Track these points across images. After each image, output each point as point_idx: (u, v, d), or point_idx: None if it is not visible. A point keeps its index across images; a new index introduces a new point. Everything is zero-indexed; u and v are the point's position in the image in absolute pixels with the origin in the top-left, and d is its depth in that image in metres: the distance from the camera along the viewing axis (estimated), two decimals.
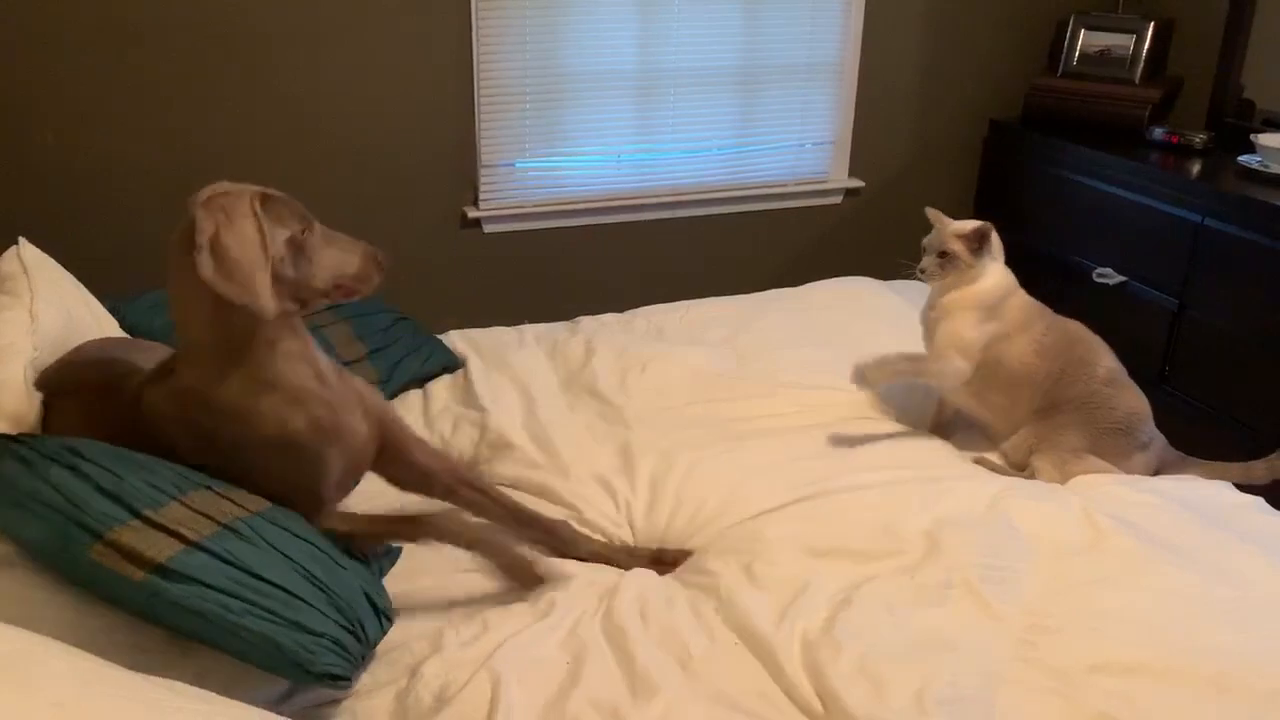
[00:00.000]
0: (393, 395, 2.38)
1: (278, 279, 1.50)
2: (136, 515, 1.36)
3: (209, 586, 1.33)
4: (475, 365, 2.48)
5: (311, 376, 1.60)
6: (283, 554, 1.45)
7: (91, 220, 2.94)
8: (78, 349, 1.83)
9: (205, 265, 1.42)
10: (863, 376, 2.18)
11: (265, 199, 1.54)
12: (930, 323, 2.23)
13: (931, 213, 2.23)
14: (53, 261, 2.03)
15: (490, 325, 2.80)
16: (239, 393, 1.54)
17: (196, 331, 1.55)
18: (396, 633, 1.59)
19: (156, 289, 2.08)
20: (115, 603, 1.35)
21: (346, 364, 2.29)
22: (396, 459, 1.78)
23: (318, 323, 2.32)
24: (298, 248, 1.56)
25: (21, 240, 2.01)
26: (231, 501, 1.49)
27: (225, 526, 1.42)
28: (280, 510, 1.55)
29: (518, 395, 2.35)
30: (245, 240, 1.47)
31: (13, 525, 1.39)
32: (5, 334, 1.77)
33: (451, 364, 2.53)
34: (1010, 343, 2.15)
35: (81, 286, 2.07)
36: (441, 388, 2.42)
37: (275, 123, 3.07)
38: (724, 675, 1.53)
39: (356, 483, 1.75)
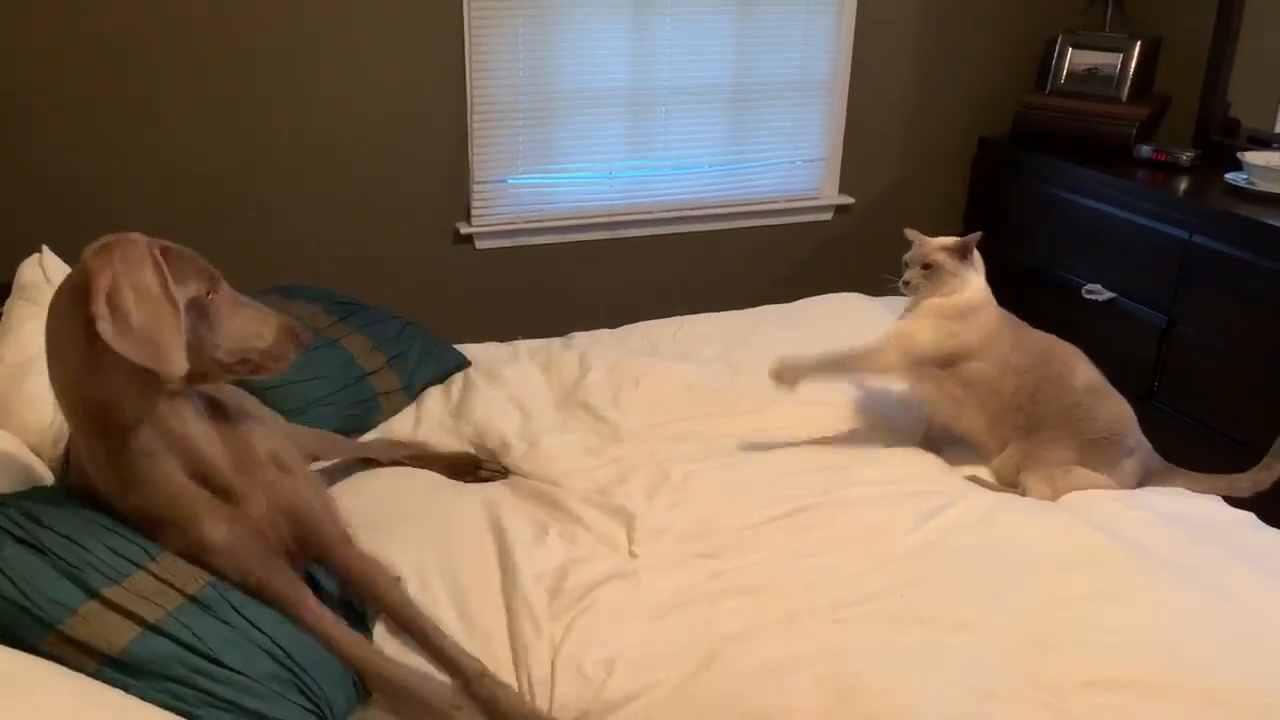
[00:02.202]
0: (414, 400, 2.41)
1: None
2: (94, 596, 1.27)
3: (163, 677, 1.26)
4: (469, 380, 2.49)
5: (181, 470, 1.42)
6: (250, 623, 1.38)
7: (83, 235, 2.94)
8: None
9: (104, 320, 1.27)
10: (779, 376, 2.16)
11: (166, 251, 1.38)
12: None
13: (910, 233, 2.25)
14: None
15: (483, 341, 2.80)
16: (104, 486, 1.41)
17: (70, 404, 1.38)
18: None
19: None
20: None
21: (368, 374, 2.31)
22: (320, 556, 1.59)
23: (335, 335, 2.33)
24: (200, 311, 1.39)
25: (45, 249, 2.00)
26: None
27: (190, 598, 1.34)
28: None
29: (512, 410, 2.35)
30: (148, 293, 1.32)
31: None
32: (31, 345, 1.74)
33: (463, 362, 2.57)
34: (971, 357, 2.14)
35: None
36: (434, 400, 2.42)
37: (270, 139, 3.07)
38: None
39: (302, 560, 1.58)
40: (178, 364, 1.32)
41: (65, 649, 1.23)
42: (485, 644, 1.62)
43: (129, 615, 1.28)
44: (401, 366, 2.41)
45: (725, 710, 1.49)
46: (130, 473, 1.39)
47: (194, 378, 1.42)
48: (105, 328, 1.27)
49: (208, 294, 1.41)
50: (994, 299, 2.21)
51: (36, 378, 1.68)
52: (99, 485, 1.42)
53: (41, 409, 1.65)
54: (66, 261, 2.05)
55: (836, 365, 2.19)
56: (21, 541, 1.29)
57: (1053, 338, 2.22)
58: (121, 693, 1.09)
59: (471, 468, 2.15)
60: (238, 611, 1.38)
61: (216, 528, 1.43)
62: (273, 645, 1.38)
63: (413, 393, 2.42)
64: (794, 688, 1.51)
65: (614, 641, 1.62)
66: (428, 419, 2.35)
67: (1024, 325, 2.22)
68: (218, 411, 1.52)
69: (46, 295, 1.85)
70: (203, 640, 1.31)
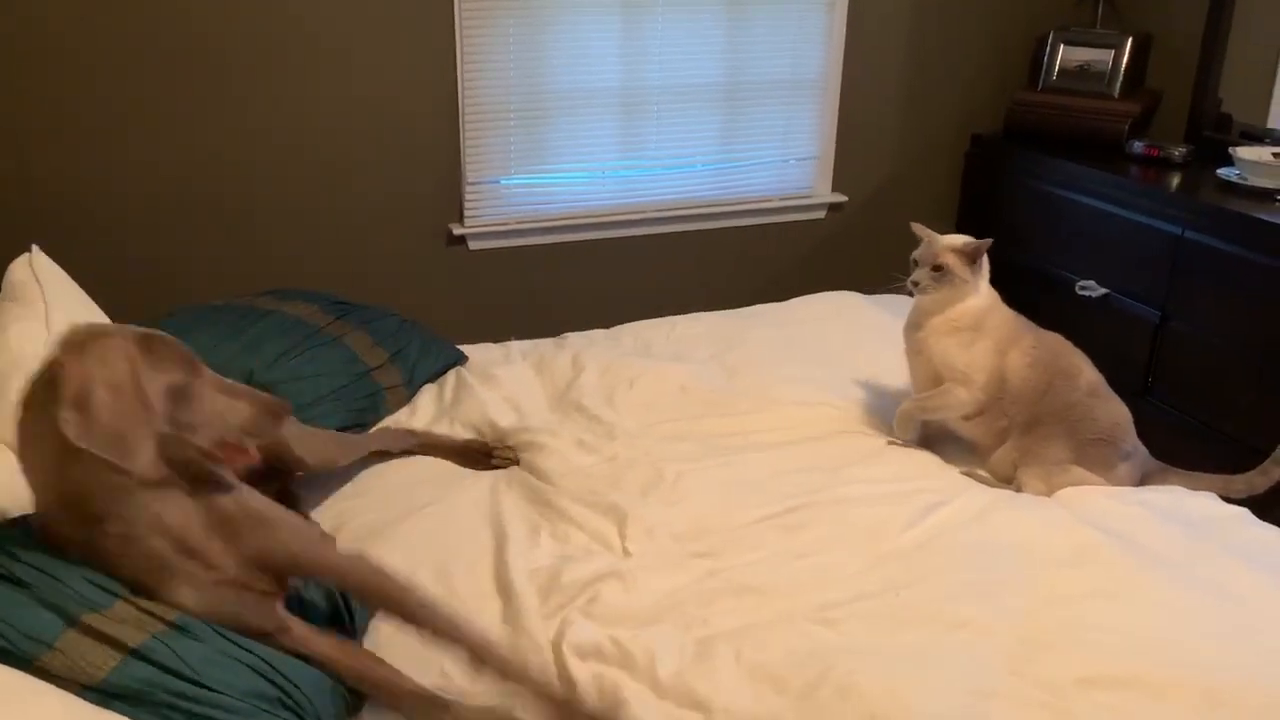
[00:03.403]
0: (414, 395, 2.43)
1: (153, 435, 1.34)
2: (74, 624, 1.27)
3: (146, 701, 1.25)
4: (462, 380, 2.48)
5: (162, 546, 1.39)
6: (234, 643, 1.37)
7: (79, 242, 2.92)
8: None
9: (69, 420, 1.27)
10: (898, 432, 2.26)
11: (145, 341, 1.38)
12: (916, 343, 2.23)
13: (918, 227, 2.24)
14: (64, 274, 2.00)
15: (477, 342, 2.79)
16: (82, 559, 1.38)
17: (44, 496, 1.38)
18: None
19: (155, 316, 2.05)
20: None
21: (372, 369, 2.33)
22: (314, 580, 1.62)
23: (336, 333, 2.34)
24: (179, 397, 1.39)
25: (35, 249, 1.97)
26: None
27: (170, 624, 1.33)
28: None
29: (507, 410, 2.34)
30: (121, 392, 1.31)
31: None
32: (18, 346, 1.71)
33: (461, 358, 2.59)
34: (1006, 358, 2.16)
35: (93, 304, 2.02)
36: (428, 401, 2.42)
37: (262, 140, 3.06)
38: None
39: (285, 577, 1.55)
40: (145, 462, 1.31)
41: (49, 678, 1.22)
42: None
43: (109, 641, 1.27)
44: (403, 362, 2.43)
45: (720, 710, 1.49)
46: (106, 554, 1.37)
47: (176, 467, 1.40)
48: (71, 428, 1.27)
49: (187, 380, 1.40)
50: (1000, 301, 2.21)
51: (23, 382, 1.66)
52: (75, 558, 1.39)
53: None
54: (57, 261, 2.03)
55: (922, 412, 2.25)
56: None
57: (1058, 336, 2.22)
58: (113, 714, 1.08)
59: (483, 455, 2.17)
60: (219, 632, 1.37)
61: (189, 593, 1.40)
62: (257, 661, 1.37)
63: (415, 387, 2.43)
64: (792, 688, 1.51)
65: (607, 640, 1.61)
66: (421, 419, 2.34)
67: (1031, 323, 2.22)
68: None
69: (36, 296, 1.84)
70: (185, 662, 1.29)
